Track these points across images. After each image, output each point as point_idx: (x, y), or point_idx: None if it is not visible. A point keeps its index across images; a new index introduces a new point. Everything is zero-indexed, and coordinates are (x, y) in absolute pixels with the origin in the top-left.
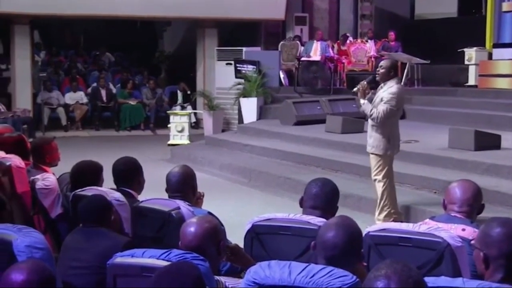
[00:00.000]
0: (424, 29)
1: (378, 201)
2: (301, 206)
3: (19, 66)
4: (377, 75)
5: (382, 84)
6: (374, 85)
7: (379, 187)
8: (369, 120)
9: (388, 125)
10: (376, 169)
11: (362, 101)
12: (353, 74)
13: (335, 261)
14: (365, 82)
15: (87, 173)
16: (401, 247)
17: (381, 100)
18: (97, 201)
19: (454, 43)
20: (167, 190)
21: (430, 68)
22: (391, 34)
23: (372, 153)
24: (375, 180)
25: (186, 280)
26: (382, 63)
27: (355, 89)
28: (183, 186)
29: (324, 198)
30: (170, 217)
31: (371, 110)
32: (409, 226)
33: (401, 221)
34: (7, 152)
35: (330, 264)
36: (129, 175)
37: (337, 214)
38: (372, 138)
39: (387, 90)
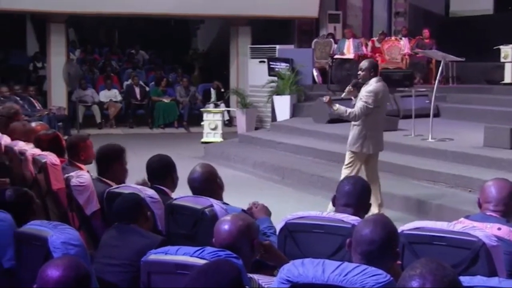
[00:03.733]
0: (459, 26)
1: None
2: (333, 204)
3: (55, 64)
4: (358, 77)
5: (364, 84)
6: (360, 86)
7: None
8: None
9: (367, 123)
10: (347, 164)
11: (335, 107)
12: (387, 72)
13: (371, 257)
14: (350, 87)
15: (109, 154)
16: (436, 245)
17: (360, 99)
18: (131, 200)
19: (489, 40)
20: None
21: (465, 65)
22: (426, 32)
23: (348, 150)
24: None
25: (224, 279)
26: (362, 64)
27: (343, 94)
28: (210, 184)
29: (356, 196)
30: (204, 215)
31: (346, 112)
32: (443, 225)
33: None
34: (42, 150)
35: (365, 260)
36: (162, 172)
37: None
38: (349, 136)
39: (366, 89)
